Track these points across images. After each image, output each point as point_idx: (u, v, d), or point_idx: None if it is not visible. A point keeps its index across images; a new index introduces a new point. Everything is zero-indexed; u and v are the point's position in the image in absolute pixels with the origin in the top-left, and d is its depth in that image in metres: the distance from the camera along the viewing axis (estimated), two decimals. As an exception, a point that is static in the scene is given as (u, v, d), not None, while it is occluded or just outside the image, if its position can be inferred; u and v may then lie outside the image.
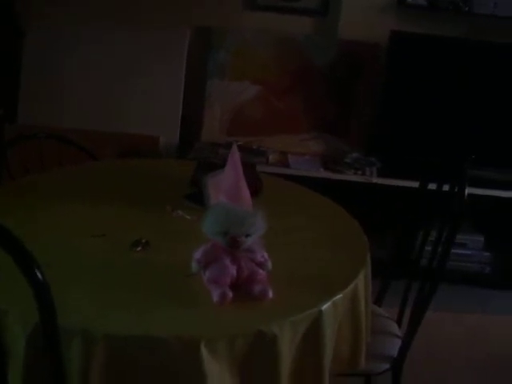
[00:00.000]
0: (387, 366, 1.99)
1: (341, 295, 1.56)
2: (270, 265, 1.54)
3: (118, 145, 3.42)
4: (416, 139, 3.52)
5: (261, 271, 1.53)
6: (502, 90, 3.45)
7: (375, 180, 3.35)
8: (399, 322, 2.20)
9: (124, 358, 1.32)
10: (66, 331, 1.30)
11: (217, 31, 3.62)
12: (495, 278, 3.56)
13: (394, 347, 2.04)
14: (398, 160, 3.45)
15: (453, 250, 1.87)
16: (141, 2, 3.60)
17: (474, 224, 3.53)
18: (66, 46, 3.57)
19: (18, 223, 1.37)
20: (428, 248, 2.10)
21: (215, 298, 1.45)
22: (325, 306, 1.49)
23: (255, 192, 1.98)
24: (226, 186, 1.59)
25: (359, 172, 3.38)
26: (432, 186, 2.16)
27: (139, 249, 1.70)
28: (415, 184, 2.26)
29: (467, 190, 1.85)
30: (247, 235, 1.47)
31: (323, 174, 3.39)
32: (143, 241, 1.73)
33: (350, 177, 3.37)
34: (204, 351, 1.32)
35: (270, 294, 1.49)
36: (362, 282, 1.69)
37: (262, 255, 1.54)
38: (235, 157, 1.63)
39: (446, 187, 2.10)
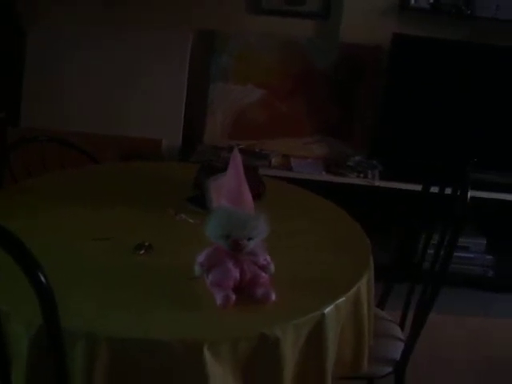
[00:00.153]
0: (390, 369, 1.99)
1: (343, 298, 1.56)
2: (272, 268, 1.55)
3: (121, 148, 3.42)
4: (418, 142, 3.51)
5: (263, 274, 1.53)
6: (504, 93, 3.44)
7: (378, 183, 3.35)
8: (402, 325, 2.19)
9: (127, 361, 1.32)
10: (69, 333, 1.30)
11: (219, 35, 3.62)
12: (498, 281, 3.55)
13: (396, 350, 2.03)
14: (401, 163, 3.44)
15: (455, 253, 1.86)
16: (144, 5, 3.61)
17: (477, 227, 3.52)
18: (68, 48, 3.57)
19: (21, 226, 1.38)
20: (430, 251, 2.09)
21: (218, 301, 1.45)
22: (327, 310, 1.50)
23: (258, 195, 1.98)
24: (228, 190, 1.59)
25: (362, 175, 3.38)
26: (434, 189, 2.16)
27: (142, 252, 1.71)
28: (418, 187, 2.25)
29: (469, 193, 1.85)
30: (249, 238, 1.47)
31: (326, 177, 3.38)
32: (146, 244, 1.73)
33: (352, 180, 3.36)
34: (207, 354, 1.32)
35: (273, 297, 1.49)
36: (364, 286, 1.69)
37: (264, 258, 1.54)
38: (237, 160, 1.63)
39: (448, 190, 2.10)
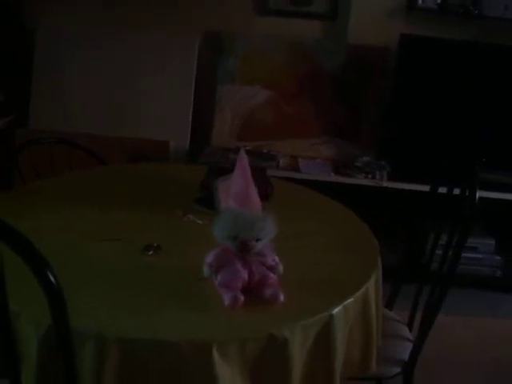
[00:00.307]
0: (398, 369, 1.98)
1: (352, 299, 1.56)
2: (281, 268, 1.55)
3: (128, 150, 3.43)
4: (426, 143, 3.51)
5: (272, 275, 1.53)
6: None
7: (386, 184, 3.35)
8: (410, 326, 2.19)
9: (135, 361, 1.33)
10: (78, 334, 1.31)
11: (227, 36, 3.62)
12: (506, 281, 3.54)
13: (405, 351, 2.03)
14: (409, 164, 3.44)
15: (464, 254, 1.86)
16: (151, 6, 3.61)
17: (485, 227, 3.52)
18: (77, 49, 3.59)
19: (29, 226, 1.38)
20: (439, 252, 2.09)
21: (226, 301, 1.45)
22: (336, 310, 1.50)
23: (266, 196, 1.98)
24: (235, 191, 1.59)
25: (370, 176, 3.37)
26: (443, 190, 2.15)
27: (151, 253, 1.71)
28: (426, 188, 2.25)
29: (478, 194, 1.85)
30: (257, 239, 1.47)
31: (334, 178, 3.38)
32: (155, 245, 1.74)
33: (360, 181, 3.36)
34: (215, 355, 1.32)
35: (281, 297, 1.49)
36: (372, 286, 1.69)
37: (273, 259, 1.54)
38: (243, 162, 1.63)
39: (456, 191, 2.09)
